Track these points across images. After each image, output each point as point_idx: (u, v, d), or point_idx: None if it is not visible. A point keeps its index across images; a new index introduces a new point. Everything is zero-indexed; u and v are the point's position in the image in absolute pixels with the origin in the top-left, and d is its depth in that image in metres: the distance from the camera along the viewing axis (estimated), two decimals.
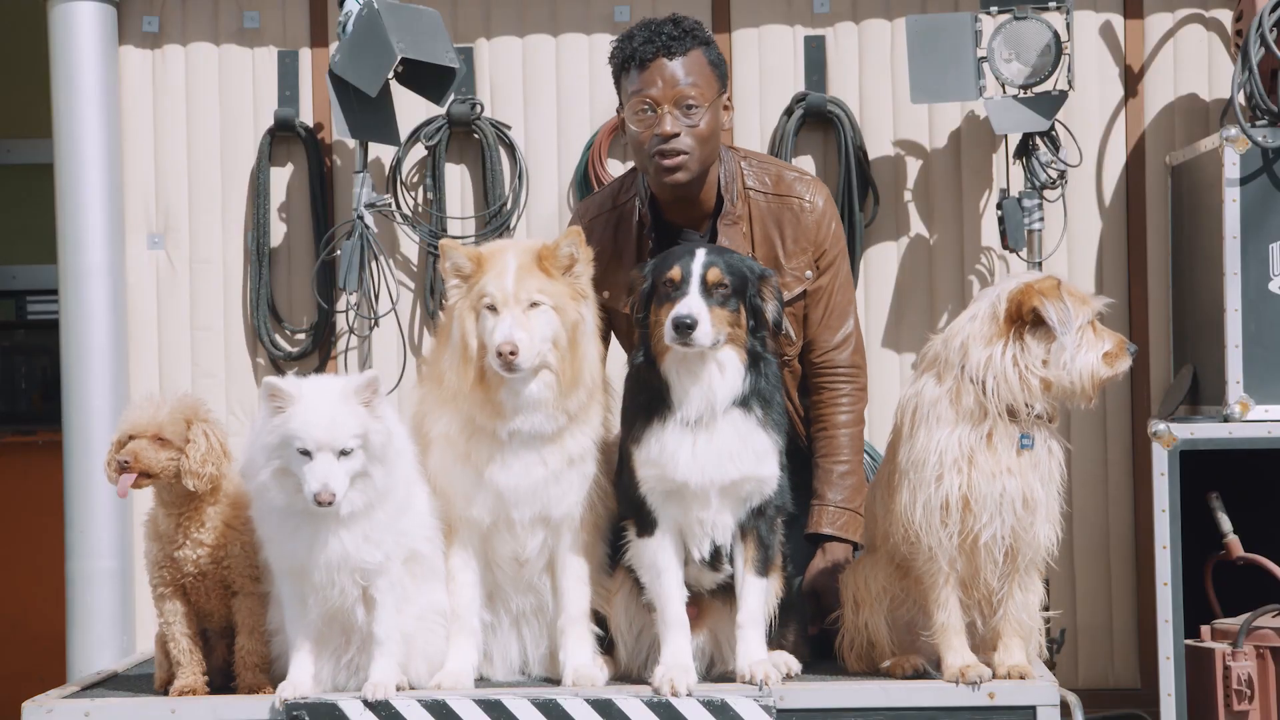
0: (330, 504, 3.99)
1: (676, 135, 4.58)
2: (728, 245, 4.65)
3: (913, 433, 4.23)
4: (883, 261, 6.03)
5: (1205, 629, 5.23)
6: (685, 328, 4.07)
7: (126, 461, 4.19)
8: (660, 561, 4.25)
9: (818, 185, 4.82)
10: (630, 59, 4.62)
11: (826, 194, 4.82)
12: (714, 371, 4.16)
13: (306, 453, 4.00)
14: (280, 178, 6.13)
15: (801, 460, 4.76)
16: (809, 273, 4.77)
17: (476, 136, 6.04)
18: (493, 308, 4.17)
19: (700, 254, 4.17)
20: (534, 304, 4.18)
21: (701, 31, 4.67)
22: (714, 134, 4.65)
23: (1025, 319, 4.14)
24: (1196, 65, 5.98)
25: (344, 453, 4.02)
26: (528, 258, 4.22)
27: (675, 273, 4.16)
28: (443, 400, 4.32)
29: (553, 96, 6.11)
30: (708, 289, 4.14)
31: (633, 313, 4.27)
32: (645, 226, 4.73)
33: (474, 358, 4.21)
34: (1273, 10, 5.39)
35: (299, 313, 6.13)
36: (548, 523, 4.33)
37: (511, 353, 4.10)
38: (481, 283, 4.21)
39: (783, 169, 4.83)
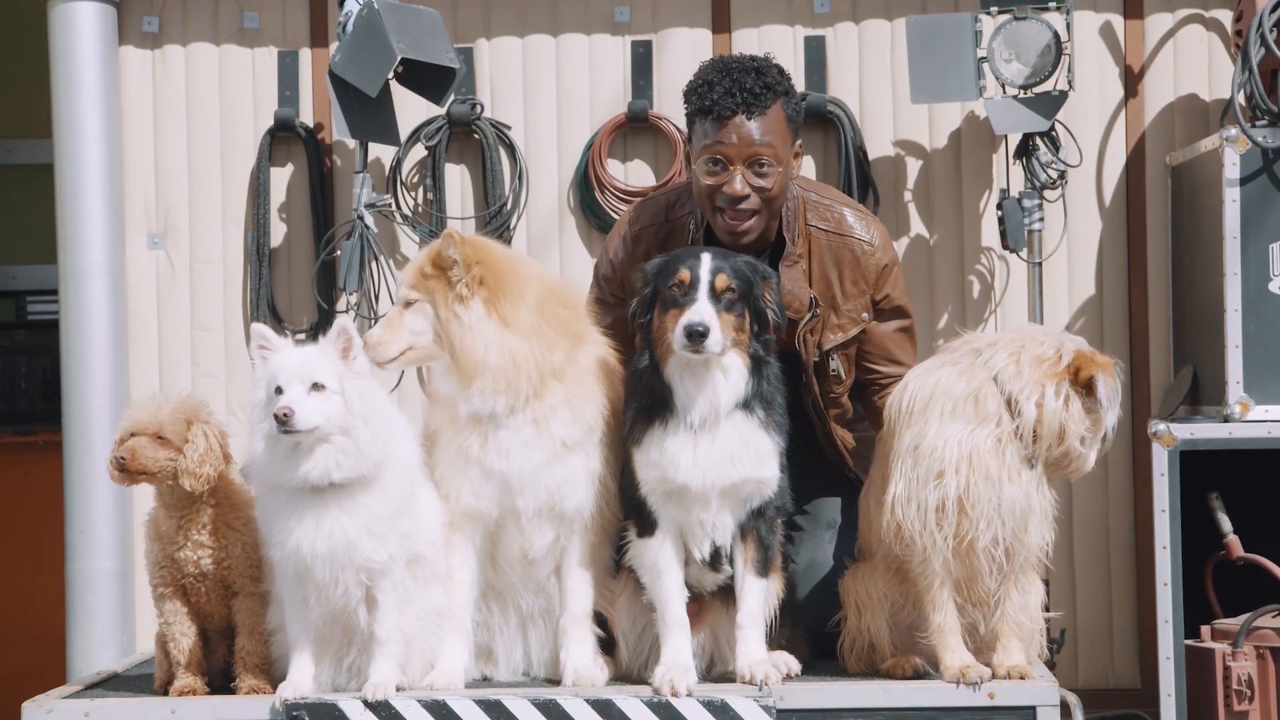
0: (288, 420, 4.01)
1: (746, 196, 4.55)
2: (788, 285, 4.64)
3: (924, 421, 4.23)
4: None
5: (1205, 629, 5.23)
6: (698, 336, 4.06)
7: (124, 459, 4.20)
8: (661, 562, 4.25)
9: (878, 224, 4.80)
10: (708, 110, 4.54)
11: (885, 232, 4.80)
12: (718, 376, 4.16)
13: (281, 390, 4.06)
14: (280, 178, 6.13)
15: (803, 462, 4.76)
16: (865, 315, 4.73)
17: (476, 136, 6.04)
18: None
19: (706, 259, 4.16)
20: (408, 302, 4.33)
21: (782, 83, 4.58)
22: (783, 191, 4.61)
23: (1078, 381, 4.18)
24: (1196, 65, 5.98)
25: (316, 386, 4.07)
26: (420, 258, 4.36)
27: (684, 275, 4.14)
28: (429, 399, 4.47)
29: (553, 96, 6.11)
30: (716, 295, 4.13)
31: (632, 316, 4.26)
32: None
33: None
34: (1273, 10, 5.39)
35: (299, 313, 6.13)
36: (561, 518, 4.34)
37: (372, 346, 4.28)
38: None
39: (845, 208, 4.78)
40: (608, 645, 4.44)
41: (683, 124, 5.93)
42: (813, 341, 4.70)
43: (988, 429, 4.19)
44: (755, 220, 4.59)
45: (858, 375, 4.82)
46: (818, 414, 4.78)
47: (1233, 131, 5.33)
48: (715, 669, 4.41)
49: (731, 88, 4.52)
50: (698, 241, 4.70)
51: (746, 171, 4.53)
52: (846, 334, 4.73)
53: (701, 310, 4.09)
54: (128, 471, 4.22)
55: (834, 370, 4.74)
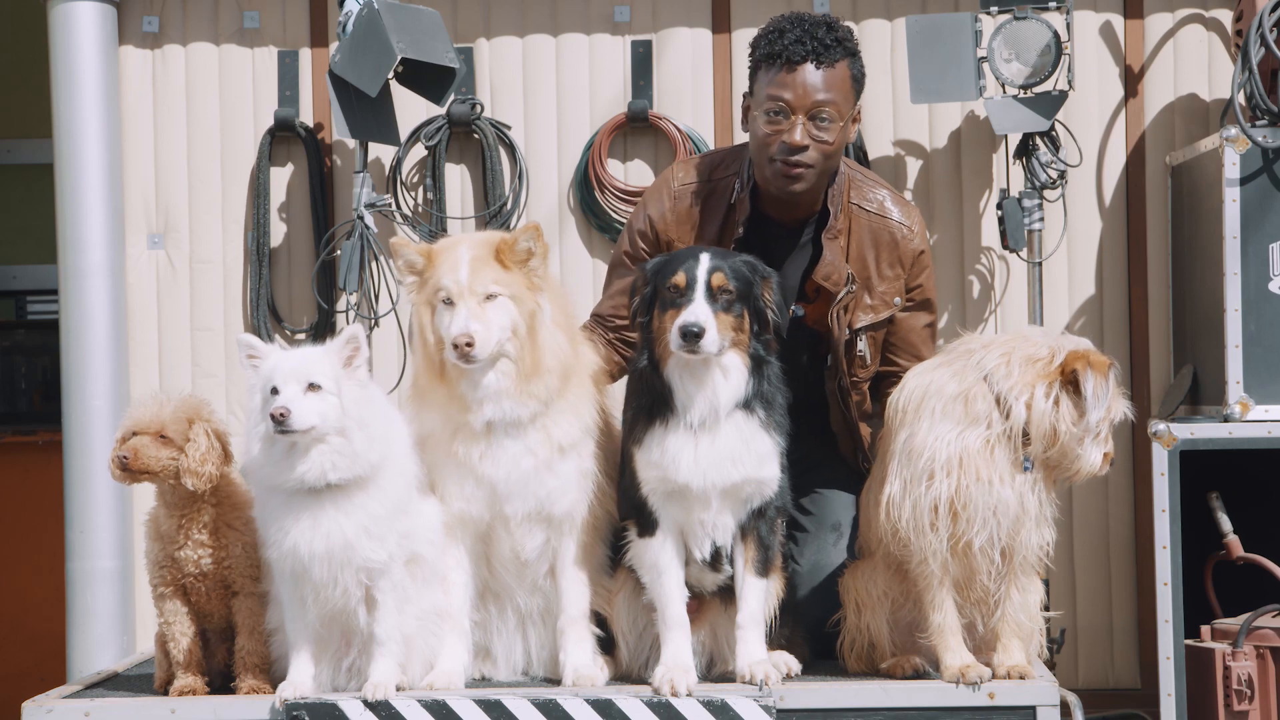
0: (284, 420, 4.00)
1: (805, 148, 4.54)
2: (829, 257, 4.64)
3: (916, 420, 4.23)
4: None
5: (1205, 629, 5.22)
6: (693, 336, 4.06)
7: (126, 457, 4.20)
8: (661, 562, 4.25)
9: (915, 211, 4.83)
10: (776, 56, 4.54)
11: (921, 220, 4.82)
12: (718, 376, 4.16)
13: (277, 391, 4.04)
14: (280, 178, 6.13)
15: (812, 456, 4.77)
16: (898, 299, 4.73)
17: (476, 136, 6.04)
18: (449, 301, 4.19)
19: (705, 259, 4.16)
20: (490, 296, 4.19)
21: (852, 41, 4.61)
22: (840, 149, 4.62)
23: (1066, 378, 4.18)
24: (1196, 65, 5.98)
25: (312, 387, 4.05)
26: (483, 250, 4.23)
27: (680, 278, 4.15)
28: (420, 400, 4.35)
29: (553, 96, 6.10)
30: (713, 295, 4.13)
31: (634, 315, 4.26)
32: (739, 214, 4.69)
33: (434, 355, 4.25)
34: (1273, 10, 5.39)
35: (299, 313, 6.13)
36: (549, 521, 4.34)
37: (468, 344, 4.12)
38: (436, 276, 4.23)
39: (886, 192, 4.80)
40: (607, 645, 4.44)
41: (683, 124, 5.99)
42: (845, 319, 4.69)
43: (978, 430, 4.19)
44: (810, 171, 4.58)
45: (879, 366, 4.81)
46: (842, 395, 4.76)
47: (1233, 131, 5.33)
48: (715, 669, 4.41)
49: (803, 36, 4.52)
50: (742, 202, 4.70)
51: (808, 123, 4.54)
52: (878, 315, 4.72)
53: (697, 311, 4.09)
54: (130, 470, 4.22)
55: (860, 352, 4.73)
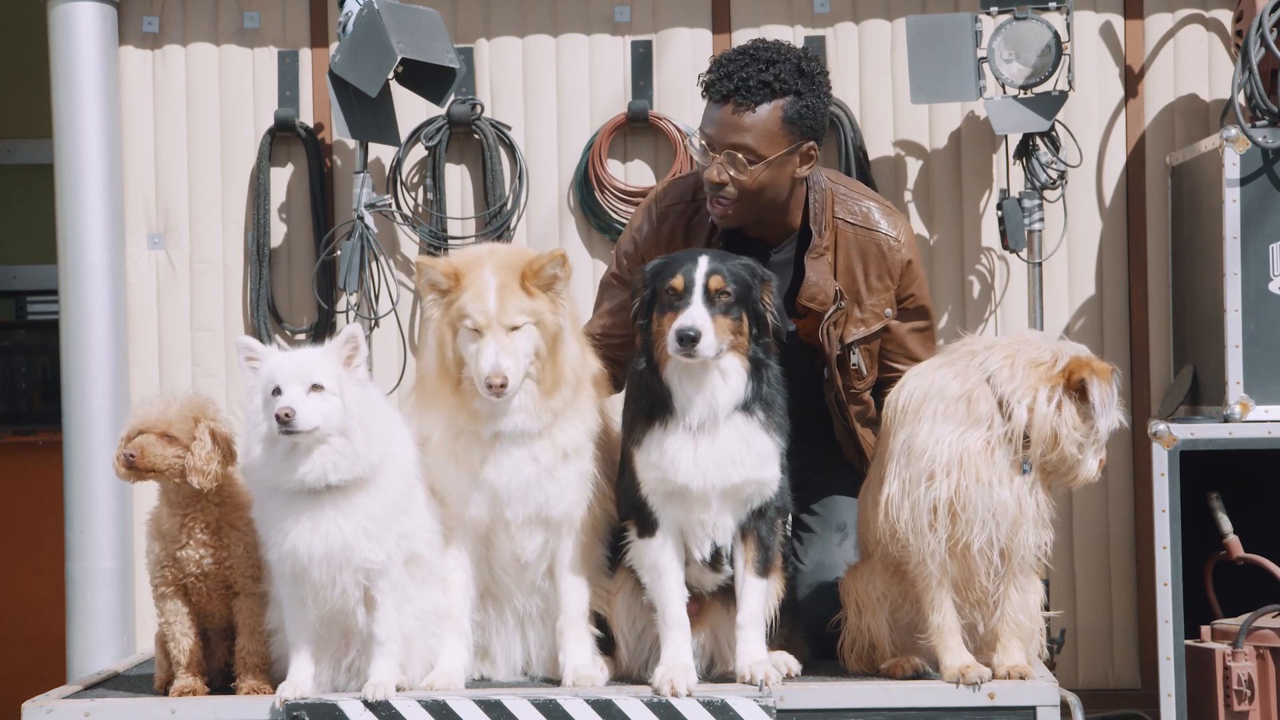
0: (289, 421, 4.00)
1: (724, 184, 4.54)
2: (815, 277, 4.63)
3: (917, 421, 4.23)
4: None
5: (1205, 629, 5.22)
6: (689, 340, 4.05)
7: (133, 455, 4.20)
8: (661, 562, 4.25)
9: (903, 220, 4.81)
10: (706, 89, 4.53)
11: (909, 228, 4.80)
12: (717, 379, 4.15)
13: (280, 391, 4.04)
14: (280, 178, 6.13)
15: (819, 460, 4.76)
16: (889, 310, 4.72)
17: (476, 136, 6.04)
18: (476, 330, 4.17)
19: (703, 262, 4.15)
20: (515, 327, 4.17)
21: (790, 83, 4.50)
22: (768, 187, 4.56)
23: (1071, 384, 4.18)
24: (1196, 65, 5.98)
25: (315, 387, 4.05)
26: (508, 275, 4.19)
27: (678, 281, 4.14)
28: (425, 401, 4.34)
29: (553, 96, 6.11)
30: (711, 298, 4.12)
31: (634, 317, 4.26)
32: (716, 232, 4.69)
33: (452, 370, 4.22)
34: (1273, 10, 5.39)
35: (299, 313, 6.13)
36: (547, 523, 4.34)
37: (501, 384, 4.11)
38: (461, 301, 4.19)
39: (871, 203, 4.77)
40: (607, 645, 4.44)
41: (682, 124, 5.98)
42: (836, 334, 4.69)
43: (979, 431, 4.19)
44: (732, 206, 4.57)
45: (879, 373, 4.81)
46: (839, 408, 4.76)
47: (1233, 131, 5.33)
48: (715, 669, 4.41)
49: (728, 75, 4.50)
50: (718, 227, 4.69)
51: (725, 161, 4.53)
52: (869, 328, 4.72)
53: (694, 314, 4.09)
54: (136, 469, 4.22)
55: (855, 364, 4.73)
